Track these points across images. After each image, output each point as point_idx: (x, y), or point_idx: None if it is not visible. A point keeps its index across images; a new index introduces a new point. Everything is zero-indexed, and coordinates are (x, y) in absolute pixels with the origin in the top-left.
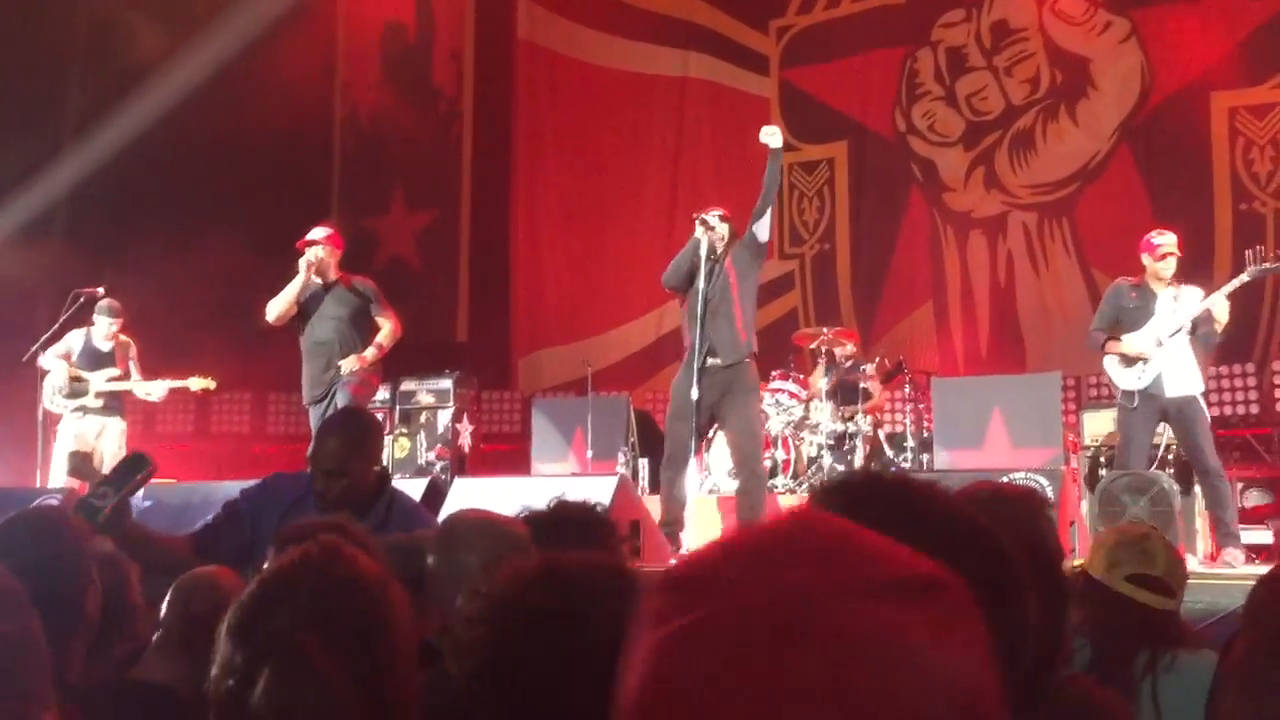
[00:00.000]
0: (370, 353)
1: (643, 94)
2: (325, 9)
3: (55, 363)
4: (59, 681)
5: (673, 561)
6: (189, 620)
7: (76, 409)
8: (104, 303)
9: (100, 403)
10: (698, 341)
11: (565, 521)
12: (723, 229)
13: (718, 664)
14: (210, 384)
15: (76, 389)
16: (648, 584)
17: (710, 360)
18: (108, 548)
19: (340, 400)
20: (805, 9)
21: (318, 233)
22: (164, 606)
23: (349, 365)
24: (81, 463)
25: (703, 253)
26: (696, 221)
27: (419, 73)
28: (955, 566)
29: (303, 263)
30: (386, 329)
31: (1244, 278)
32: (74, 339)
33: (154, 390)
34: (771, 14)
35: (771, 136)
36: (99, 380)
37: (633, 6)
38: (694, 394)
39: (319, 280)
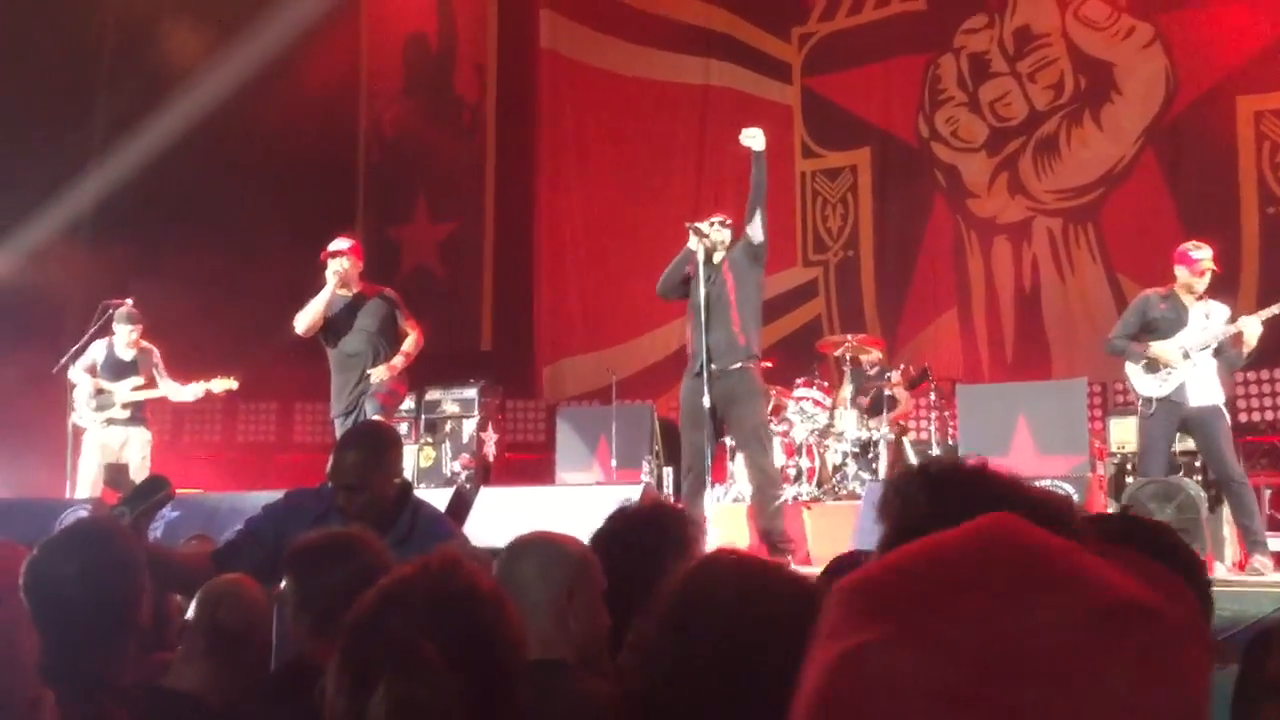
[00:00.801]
0: (398, 361)
1: (665, 102)
2: (349, 20)
3: (81, 376)
4: (106, 685)
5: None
6: (216, 629)
7: (103, 420)
8: (122, 311)
9: (126, 414)
10: (700, 348)
11: (636, 525)
12: (720, 234)
13: (891, 691)
14: (233, 384)
15: (103, 401)
16: (837, 591)
17: (711, 366)
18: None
19: (369, 410)
20: (827, 16)
21: (340, 244)
22: (189, 614)
23: (378, 375)
24: (118, 475)
25: (700, 259)
26: (690, 230)
27: (442, 83)
28: None
29: (330, 274)
30: (412, 338)
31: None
32: (97, 351)
33: (187, 394)
34: (794, 21)
35: (753, 139)
36: (124, 391)
37: (655, 15)
38: (706, 401)
39: (344, 292)
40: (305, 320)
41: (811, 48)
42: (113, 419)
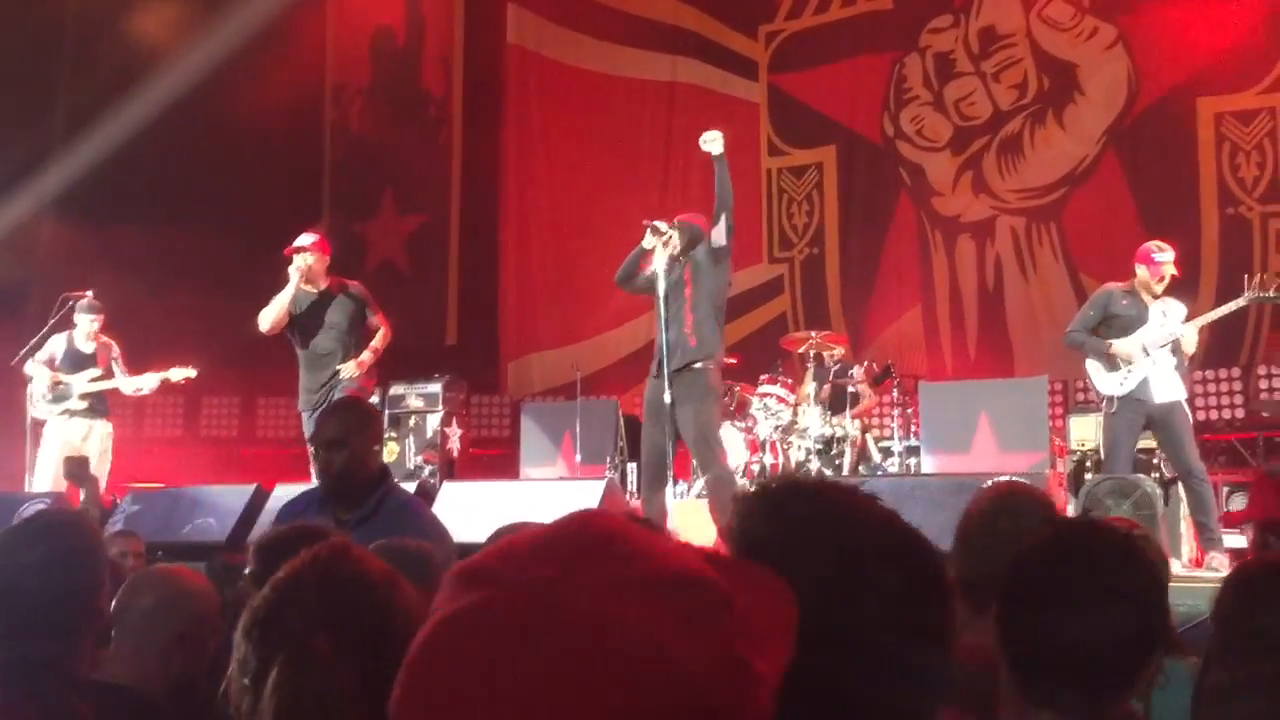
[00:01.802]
0: (367, 357)
1: (632, 99)
2: (315, 13)
3: (38, 369)
4: (66, 676)
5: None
6: (140, 619)
7: (61, 412)
8: (83, 301)
9: (85, 405)
10: (660, 346)
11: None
12: (675, 234)
13: (469, 654)
14: (191, 372)
15: (60, 392)
16: (449, 573)
17: (664, 358)
18: (113, 551)
19: (336, 394)
20: (794, 14)
21: (305, 239)
22: (113, 607)
23: (349, 371)
24: (77, 467)
25: (658, 257)
26: (646, 228)
27: (408, 77)
28: (876, 568)
29: (293, 270)
30: (380, 333)
31: (1240, 302)
32: (56, 344)
33: (143, 384)
34: (760, 19)
35: (712, 143)
36: (81, 382)
37: (622, 11)
38: (666, 398)
39: (309, 288)
40: (269, 318)
41: (778, 45)
42: (71, 410)
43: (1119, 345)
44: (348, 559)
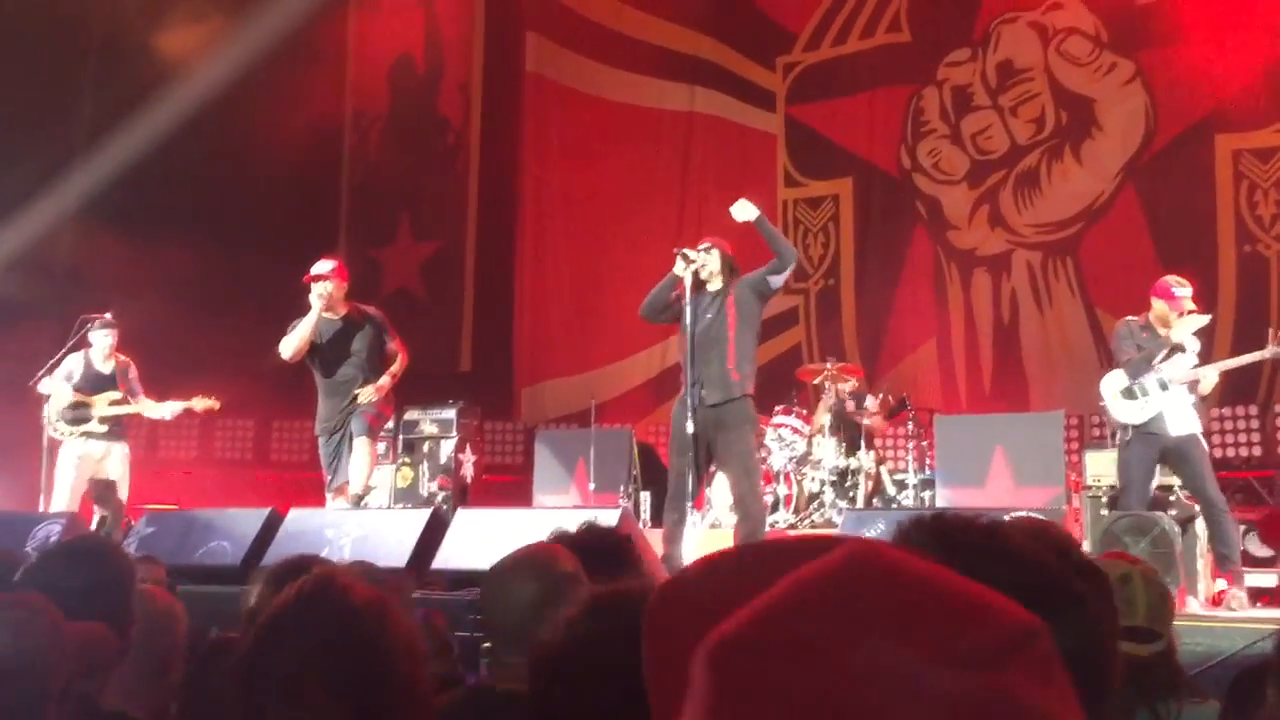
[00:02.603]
0: (385, 382)
1: (649, 128)
2: (335, 40)
3: (57, 386)
4: (92, 705)
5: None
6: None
7: (81, 434)
8: (98, 320)
9: (105, 428)
10: (689, 377)
11: (594, 546)
12: (709, 260)
13: None
14: (214, 404)
15: (80, 414)
16: (713, 653)
17: (703, 396)
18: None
19: (355, 428)
20: (812, 46)
21: (323, 266)
22: None
23: (367, 395)
24: (105, 490)
25: (688, 285)
26: (677, 255)
27: (427, 104)
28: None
29: (314, 298)
30: (398, 359)
31: (1263, 354)
32: (74, 363)
33: (164, 411)
34: (778, 51)
35: (741, 210)
36: (102, 404)
37: (641, 41)
38: (689, 428)
39: (330, 315)
40: (291, 346)
41: (796, 77)
42: (90, 432)
43: (1175, 329)
44: (332, 592)
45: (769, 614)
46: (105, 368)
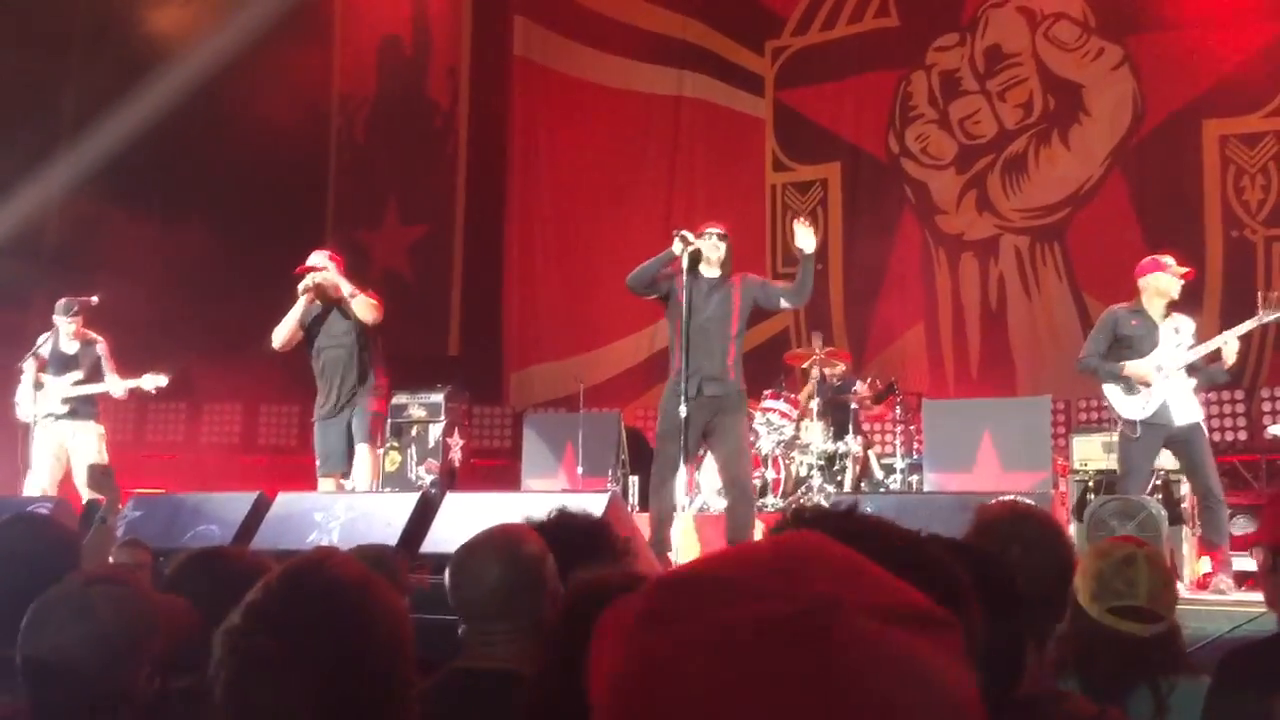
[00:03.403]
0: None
1: (638, 112)
2: (322, 21)
3: (28, 368)
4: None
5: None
6: None
7: (45, 416)
8: (60, 302)
9: (66, 408)
10: (685, 363)
11: (569, 531)
12: (719, 248)
13: (739, 669)
14: (162, 380)
15: (41, 395)
16: (635, 586)
17: (700, 384)
18: (121, 559)
19: (357, 433)
20: (801, 30)
21: (317, 258)
22: None
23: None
24: (101, 475)
25: (684, 265)
26: (676, 236)
27: (415, 87)
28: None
29: (300, 289)
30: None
31: (1256, 321)
32: (43, 346)
33: (113, 388)
34: (767, 35)
35: (805, 239)
36: (62, 385)
37: (629, 25)
38: (682, 412)
39: (319, 304)
40: (280, 335)
41: (784, 61)
42: (54, 413)
43: (1132, 367)
44: (321, 568)
45: (716, 562)
46: (70, 348)
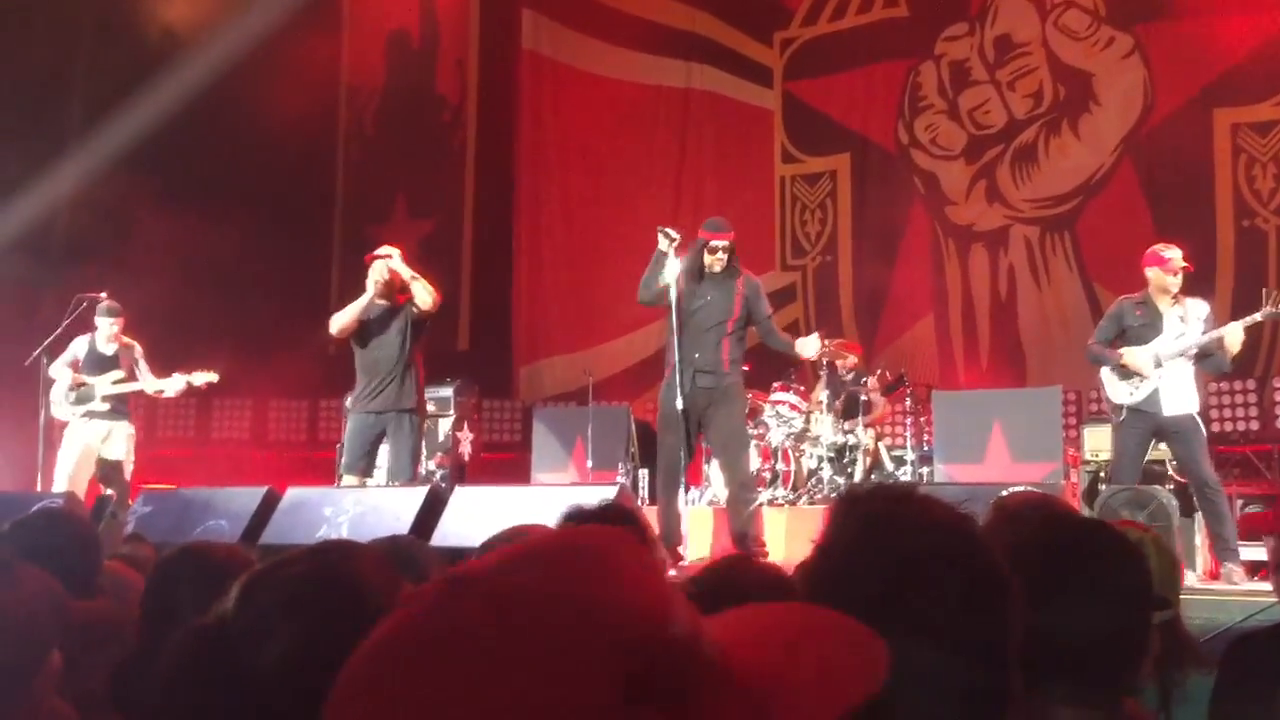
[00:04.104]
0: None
1: (646, 105)
2: (330, 16)
3: (61, 371)
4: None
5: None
6: None
7: (84, 414)
8: (103, 305)
9: (106, 406)
10: (680, 355)
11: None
12: (718, 264)
13: (415, 656)
14: (212, 376)
15: (83, 394)
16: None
17: (694, 376)
18: (124, 551)
19: (405, 426)
20: (809, 21)
21: (387, 249)
22: None
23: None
24: (111, 471)
25: (670, 265)
26: (660, 234)
27: (423, 81)
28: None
29: (370, 282)
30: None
31: (1256, 317)
32: (78, 346)
33: (166, 386)
34: (775, 26)
35: (808, 349)
36: (104, 384)
37: (637, 18)
38: (679, 404)
39: (384, 302)
40: (339, 322)
41: (793, 52)
42: (93, 412)
43: (1130, 356)
44: (341, 563)
45: (494, 556)
46: (108, 349)
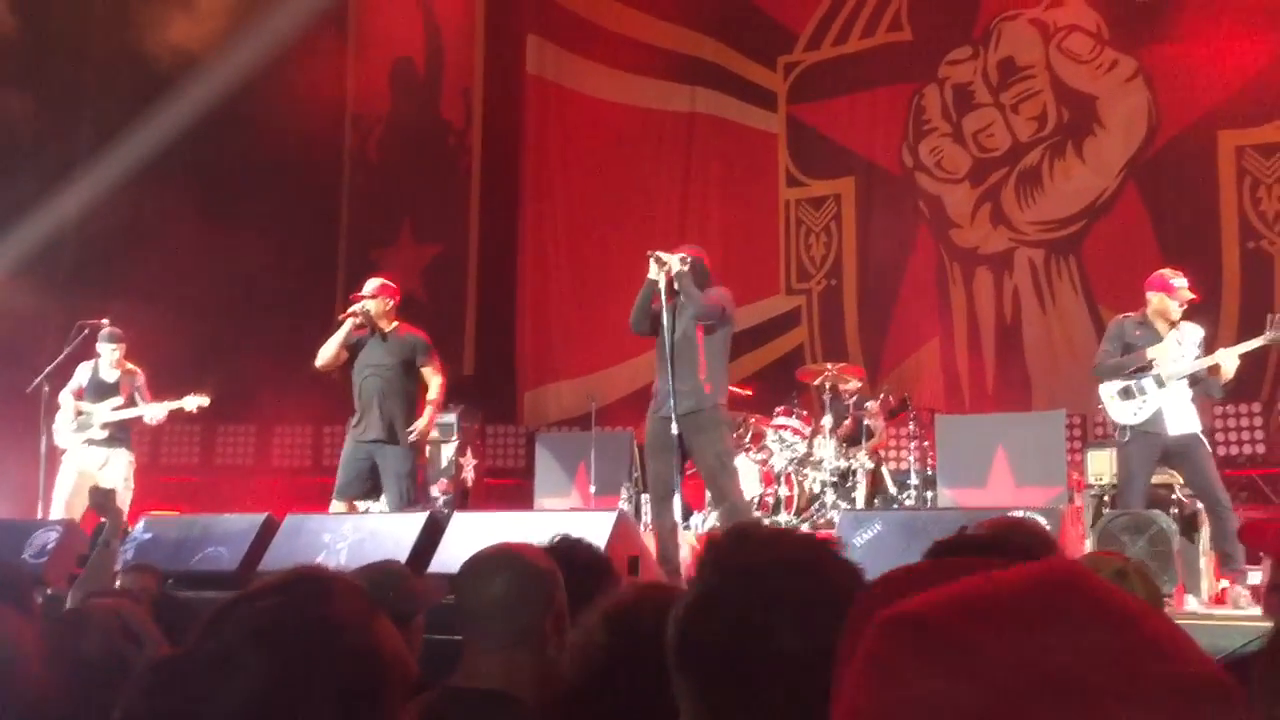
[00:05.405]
0: (429, 412)
1: (651, 129)
2: (336, 42)
3: (66, 399)
4: None
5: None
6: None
7: (83, 441)
8: (105, 331)
9: (105, 434)
10: (669, 382)
11: (567, 559)
12: (678, 262)
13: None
14: (204, 400)
15: (82, 421)
16: (886, 622)
17: (676, 400)
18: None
19: (389, 457)
20: (813, 45)
21: (370, 286)
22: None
23: (420, 427)
24: (103, 498)
25: (661, 286)
26: (650, 258)
27: (428, 107)
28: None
29: (348, 316)
30: (435, 384)
31: (1263, 340)
32: (82, 373)
33: (150, 413)
34: (780, 50)
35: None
36: (103, 411)
37: (641, 42)
38: (674, 429)
39: (382, 326)
40: (323, 356)
41: (797, 76)
42: (91, 439)
43: (1153, 350)
44: (317, 604)
45: (962, 602)
46: (110, 376)
